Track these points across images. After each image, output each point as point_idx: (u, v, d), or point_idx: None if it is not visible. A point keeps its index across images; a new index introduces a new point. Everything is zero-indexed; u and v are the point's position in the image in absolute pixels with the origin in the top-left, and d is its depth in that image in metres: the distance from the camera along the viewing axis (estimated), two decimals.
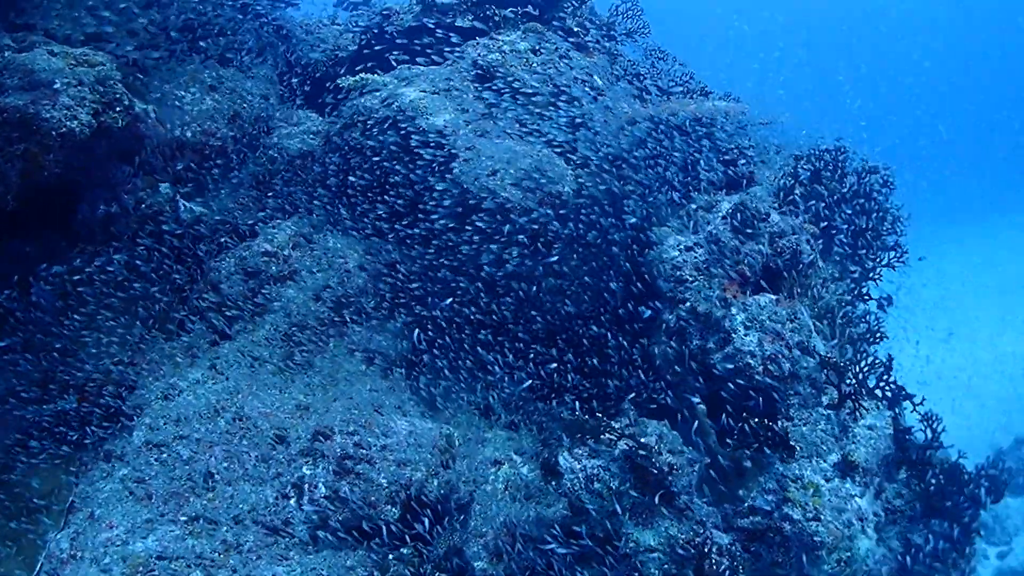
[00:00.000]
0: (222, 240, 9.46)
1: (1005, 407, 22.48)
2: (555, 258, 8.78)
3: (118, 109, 8.56)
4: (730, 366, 7.99)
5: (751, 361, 7.97)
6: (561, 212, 8.72)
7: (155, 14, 9.59)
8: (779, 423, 8.04)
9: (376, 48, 10.51)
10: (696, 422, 7.93)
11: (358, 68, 10.29)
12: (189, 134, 9.35)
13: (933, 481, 8.61)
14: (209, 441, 8.56)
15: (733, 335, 8.08)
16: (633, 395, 8.13)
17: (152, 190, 9.16)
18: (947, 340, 25.53)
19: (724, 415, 8.04)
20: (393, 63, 9.85)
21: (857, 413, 8.40)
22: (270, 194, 9.73)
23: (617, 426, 7.58)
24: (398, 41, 10.20)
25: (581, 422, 7.31)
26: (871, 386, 8.87)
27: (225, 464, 8.42)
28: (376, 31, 10.58)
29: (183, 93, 9.52)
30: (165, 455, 8.51)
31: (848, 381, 8.49)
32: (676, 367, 8.32)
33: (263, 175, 9.82)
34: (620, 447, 7.23)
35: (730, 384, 8.03)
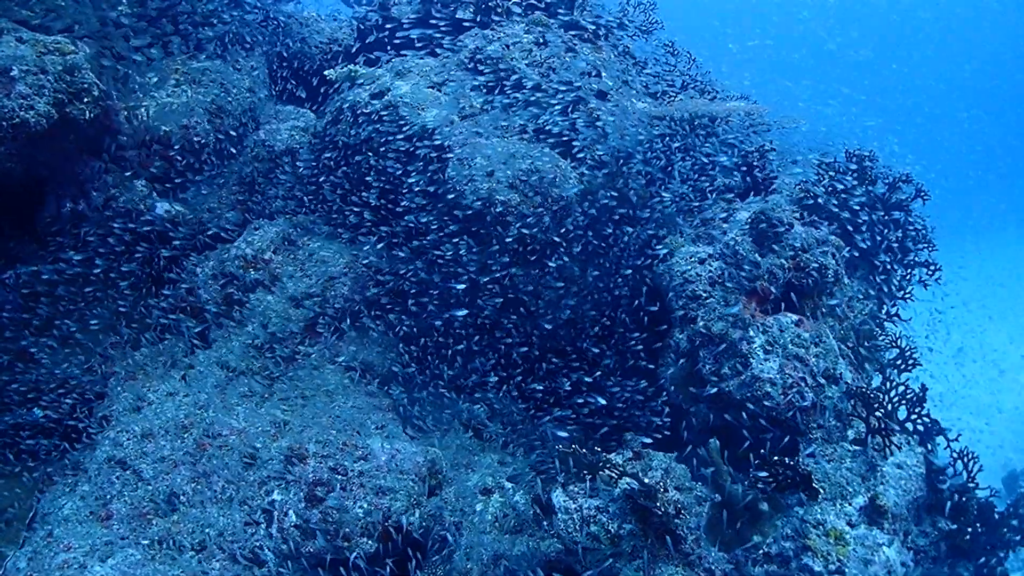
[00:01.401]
0: (201, 242, 8.39)
1: (1016, 425, 21.04)
2: (554, 267, 7.65)
3: (86, 100, 7.49)
4: (747, 394, 6.80)
5: (770, 390, 6.76)
6: (563, 217, 7.58)
7: (135, 2, 8.57)
8: (800, 459, 6.86)
9: (373, 41, 9.41)
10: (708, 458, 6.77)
11: (355, 61, 9.21)
12: (167, 128, 8.26)
13: (969, 529, 7.39)
14: (175, 460, 7.50)
15: (751, 360, 6.87)
16: (636, 427, 6.99)
17: (125, 187, 8.09)
18: (956, 356, 24.05)
19: (738, 449, 6.88)
20: (388, 55, 8.75)
21: (887, 450, 7.20)
22: (254, 193, 8.65)
23: (618, 460, 6.42)
24: (397, 34, 9.10)
25: (578, 456, 6.16)
26: (901, 419, 7.66)
27: (191, 485, 7.35)
28: (374, 23, 9.50)
29: (163, 85, 8.46)
30: (128, 473, 7.47)
31: (877, 413, 7.30)
32: (686, 392, 7.14)
33: (247, 173, 8.72)
34: (621, 485, 6.08)
35: (746, 414, 6.85)
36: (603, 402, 7.22)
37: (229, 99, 8.77)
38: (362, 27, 9.77)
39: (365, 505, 6.87)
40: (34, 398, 7.78)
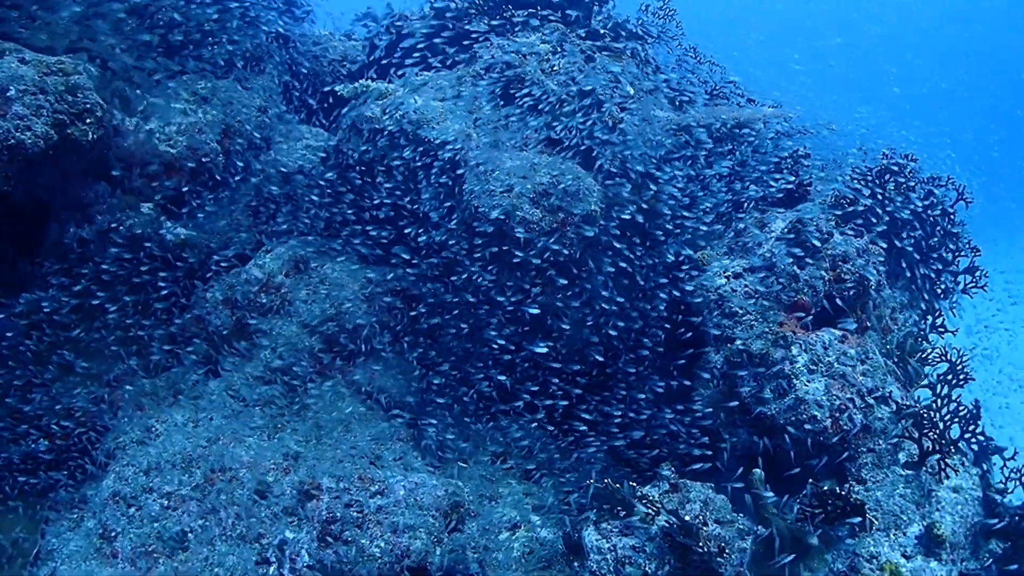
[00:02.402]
0: (211, 266, 7.78)
1: None
2: (578, 285, 6.94)
3: (88, 121, 6.94)
4: (791, 418, 6.04)
5: (816, 413, 5.99)
6: (587, 233, 6.89)
7: (142, 22, 8.05)
8: (850, 487, 6.09)
9: (386, 56, 8.83)
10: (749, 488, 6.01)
11: (368, 77, 8.63)
12: (175, 150, 7.69)
13: None
14: (182, 495, 6.87)
15: (794, 381, 6.10)
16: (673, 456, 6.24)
17: (132, 211, 7.50)
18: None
19: (782, 476, 6.12)
20: (402, 71, 8.16)
21: (942, 473, 6.39)
22: (265, 215, 8.05)
23: (654, 493, 5.69)
24: (410, 48, 8.51)
25: (611, 491, 5.44)
26: (954, 438, 6.85)
27: (200, 521, 6.70)
28: (387, 39, 8.93)
29: (171, 105, 7.90)
30: (133, 509, 6.85)
31: (930, 434, 6.51)
32: (724, 416, 6.39)
33: (258, 194, 8.12)
34: (658, 523, 5.35)
35: (790, 439, 6.09)
36: (638, 435, 6.50)
37: (239, 119, 8.19)
38: (375, 43, 9.19)
39: (382, 544, 6.19)
40: (39, 429, 7.20)
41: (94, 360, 7.45)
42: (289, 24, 9.54)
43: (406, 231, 7.43)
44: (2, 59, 7.14)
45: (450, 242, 7.08)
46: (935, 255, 8.16)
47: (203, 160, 7.80)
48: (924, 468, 6.48)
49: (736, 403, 6.28)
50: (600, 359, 7.07)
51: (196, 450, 7.00)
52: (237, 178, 8.01)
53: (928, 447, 6.50)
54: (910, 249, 7.83)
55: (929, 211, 8.07)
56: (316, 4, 11.00)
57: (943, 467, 6.47)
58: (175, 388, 7.52)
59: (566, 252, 6.77)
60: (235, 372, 7.47)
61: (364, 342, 7.48)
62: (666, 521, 5.28)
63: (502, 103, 7.50)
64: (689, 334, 6.93)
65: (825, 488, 5.87)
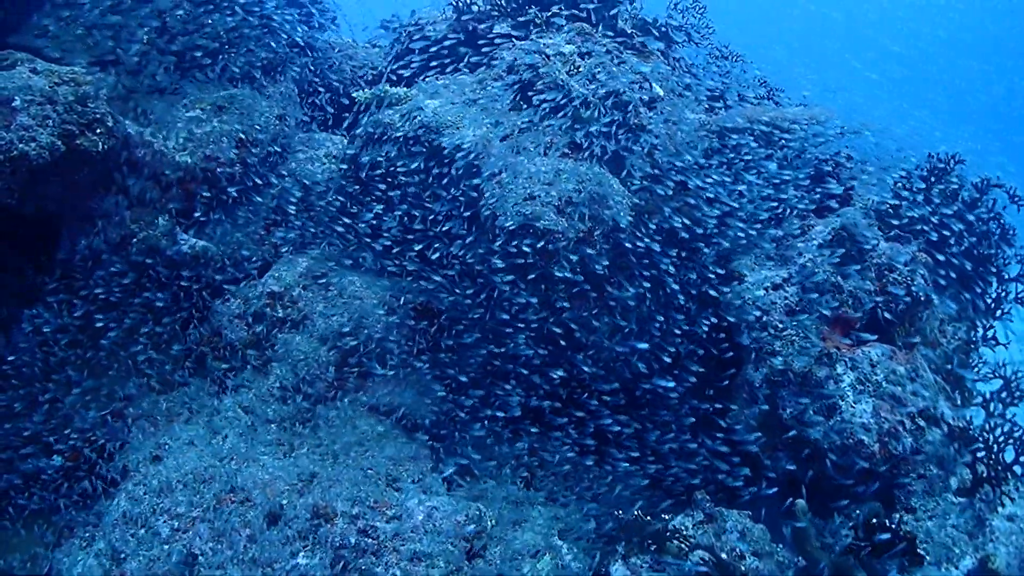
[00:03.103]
0: (228, 278, 7.39)
1: None
2: (606, 298, 6.42)
3: (99, 131, 6.56)
4: (836, 443, 5.46)
5: (864, 437, 5.40)
6: (616, 242, 6.37)
7: (157, 30, 7.69)
8: (899, 517, 5.50)
9: (407, 61, 8.39)
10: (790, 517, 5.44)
11: (390, 82, 8.20)
12: (191, 160, 7.30)
13: None
14: (193, 516, 6.47)
15: (840, 402, 5.52)
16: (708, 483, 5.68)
17: (146, 222, 7.14)
18: None
19: (824, 503, 5.55)
20: (422, 75, 7.71)
21: (998, 501, 5.78)
22: (283, 226, 7.63)
23: (688, 524, 5.16)
24: (429, 51, 8.08)
25: (641, 523, 4.92)
26: (1008, 461, 6.23)
27: (210, 544, 6.28)
28: (407, 44, 8.50)
29: (186, 114, 7.53)
30: (144, 530, 6.47)
31: (983, 458, 5.90)
32: (762, 439, 5.82)
33: (276, 205, 7.71)
34: (692, 559, 4.82)
35: (834, 465, 5.52)
36: (671, 471, 5.95)
37: (257, 127, 7.78)
38: (396, 48, 8.76)
39: (398, 573, 5.72)
40: (51, 446, 6.86)
41: (106, 376, 7.09)
42: (311, 31, 9.15)
43: (425, 241, 6.97)
44: (13, 69, 6.82)
45: (470, 253, 6.60)
46: (985, 262, 7.50)
47: (219, 170, 7.41)
48: (978, 496, 5.89)
49: (777, 425, 5.71)
50: (631, 375, 6.53)
51: (208, 470, 6.58)
52: (254, 188, 7.60)
53: (983, 473, 5.90)
54: (958, 256, 7.19)
55: (978, 215, 7.43)
56: (343, 13, 10.64)
57: (998, 495, 5.87)
58: (189, 405, 7.12)
59: (593, 263, 6.26)
60: (250, 388, 7.05)
61: (383, 357, 7.03)
62: (701, 557, 4.75)
63: (524, 106, 7.00)
64: (726, 348, 6.39)
65: (873, 519, 5.31)
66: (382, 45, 10.21)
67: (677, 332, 6.41)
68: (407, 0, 9.65)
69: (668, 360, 6.46)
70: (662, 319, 6.45)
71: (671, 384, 6.32)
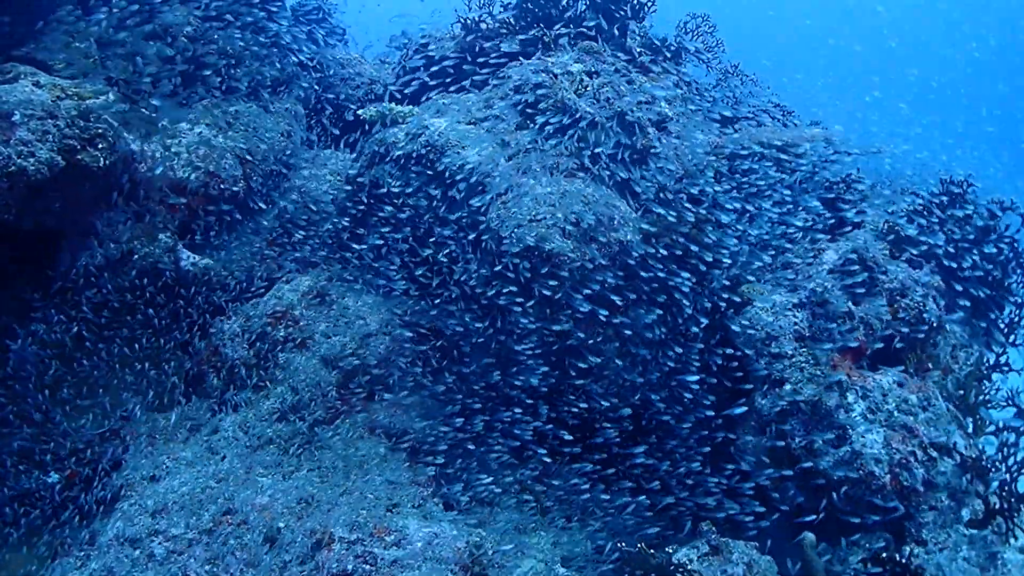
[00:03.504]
0: (229, 297, 7.27)
1: None
2: (615, 322, 6.26)
3: (100, 146, 6.48)
4: (846, 474, 5.30)
5: (875, 469, 5.24)
6: (624, 266, 6.23)
7: (164, 45, 7.63)
8: (908, 548, 5.33)
9: (414, 79, 8.30)
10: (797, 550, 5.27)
11: (396, 100, 8.10)
12: (194, 176, 7.22)
13: None
14: (189, 538, 6.32)
15: (850, 432, 5.36)
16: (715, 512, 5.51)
17: (147, 239, 7.05)
18: None
19: (833, 535, 5.37)
20: (429, 92, 7.61)
21: (1010, 533, 5.60)
22: (286, 244, 7.52)
23: (693, 556, 4.99)
24: (439, 69, 7.98)
25: (644, 556, 4.76)
26: (1022, 492, 6.05)
27: (206, 567, 6.13)
28: (415, 61, 8.40)
29: (191, 130, 7.44)
30: (138, 552, 6.32)
31: (996, 489, 5.73)
32: (770, 469, 5.66)
33: (280, 222, 7.61)
34: None
35: (844, 496, 5.35)
36: (672, 499, 5.78)
37: (262, 144, 7.69)
38: (404, 65, 8.66)
39: None
40: (49, 462, 6.74)
41: (106, 393, 6.97)
42: (319, 48, 9.07)
43: (430, 262, 6.84)
44: (16, 82, 6.76)
45: (474, 275, 6.47)
46: (998, 287, 7.34)
47: (223, 187, 7.32)
48: (990, 527, 5.71)
49: (785, 455, 5.55)
50: (639, 402, 6.38)
51: (205, 491, 6.44)
52: (258, 206, 7.51)
53: (995, 505, 5.72)
54: (971, 281, 7.03)
55: (991, 239, 7.27)
56: (352, 29, 10.58)
57: (1011, 527, 5.69)
58: (189, 424, 7.00)
59: (598, 287, 6.11)
60: (251, 408, 6.93)
61: (386, 380, 6.90)
62: None
63: (530, 126, 6.88)
64: (735, 372, 6.22)
65: (883, 553, 5.14)
66: (391, 62, 10.13)
67: (695, 360, 6.24)
68: (418, 15, 9.61)
69: (690, 394, 6.31)
70: (679, 349, 6.27)
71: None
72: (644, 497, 6.26)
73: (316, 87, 8.74)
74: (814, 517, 5.37)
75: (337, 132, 8.72)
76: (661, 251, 6.32)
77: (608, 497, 6.60)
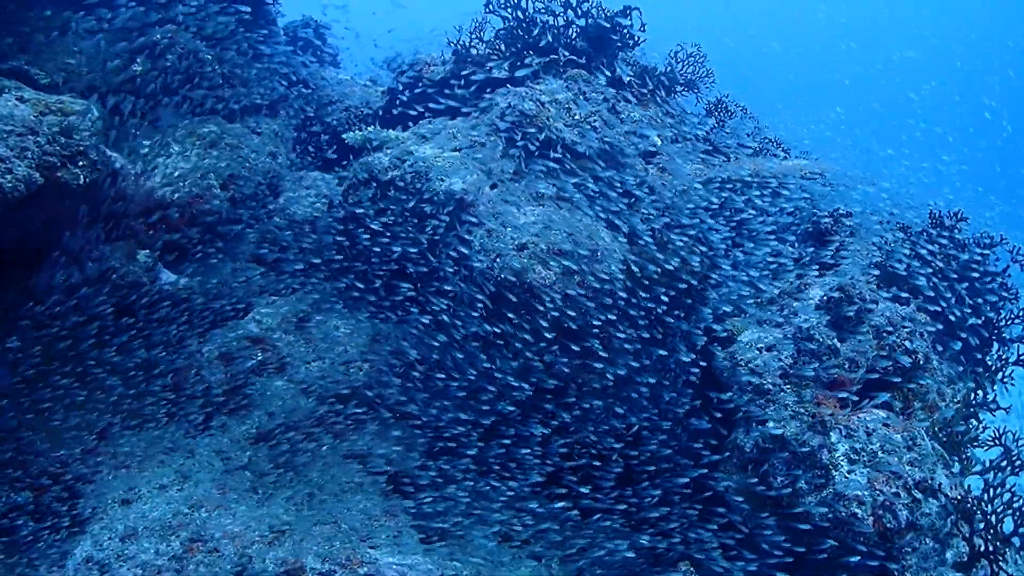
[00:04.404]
0: (209, 318, 7.11)
1: None
2: (596, 354, 6.10)
3: (81, 164, 6.34)
4: (828, 515, 5.12)
5: (858, 511, 5.06)
6: (607, 297, 6.09)
7: (153, 63, 7.51)
8: None
9: (405, 102, 8.19)
10: None
11: (386, 125, 7.98)
12: (177, 195, 7.08)
13: None
14: (158, 565, 6.13)
15: (833, 472, 5.18)
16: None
17: (128, 258, 6.90)
18: None
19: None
20: (416, 118, 7.49)
21: None
22: (268, 266, 7.36)
23: None
24: (429, 93, 7.87)
25: None
26: (1007, 533, 5.88)
27: None
28: (405, 85, 8.30)
29: (175, 149, 7.31)
30: None
31: (981, 530, 5.56)
32: (751, 507, 5.48)
33: (263, 244, 7.46)
34: None
35: (827, 537, 5.18)
36: (645, 542, 5.58)
37: (247, 164, 7.56)
38: (392, 89, 8.56)
39: None
40: (20, 481, 6.54)
41: (81, 413, 6.79)
42: (309, 69, 8.96)
43: (413, 288, 6.69)
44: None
45: (458, 302, 6.32)
46: (986, 323, 7.21)
47: (205, 207, 7.18)
48: (974, 570, 5.54)
49: (767, 494, 5.37)
50: (616, 441, 6.20)
51: (176, 517, 6.26)
52: (241, 226, 7.36)
53: (980, 547, 5.55)
54: (959, 316, 6.90)
55: (980, 274, 7.15)
56: (345, 50, 10.52)
57: (996, 571, 5.52)
58: (164, 447, 6.81)
59: (581, 318, 5.97)
60: (227, 432, 6.76)
61: (365, 406, 6.73)
62: None
63: (516, 154, 6.76)
64: (717, 409, 6.07)
65: None
66: (382, 84, 10.03)
67: (684, 401, 6.07)
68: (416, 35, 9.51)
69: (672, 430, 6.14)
70: (665, 383, 6.11)
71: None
72: (626, 531, 6.08)
73: (306, 109, 8.62)
74: (791, 559, 5.21)
75: (324, 155, 8.60)
76: (645, 281, 6.18)
77: (588, 529, 6.42)
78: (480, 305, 6.11)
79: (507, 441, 6.44)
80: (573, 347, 6.05)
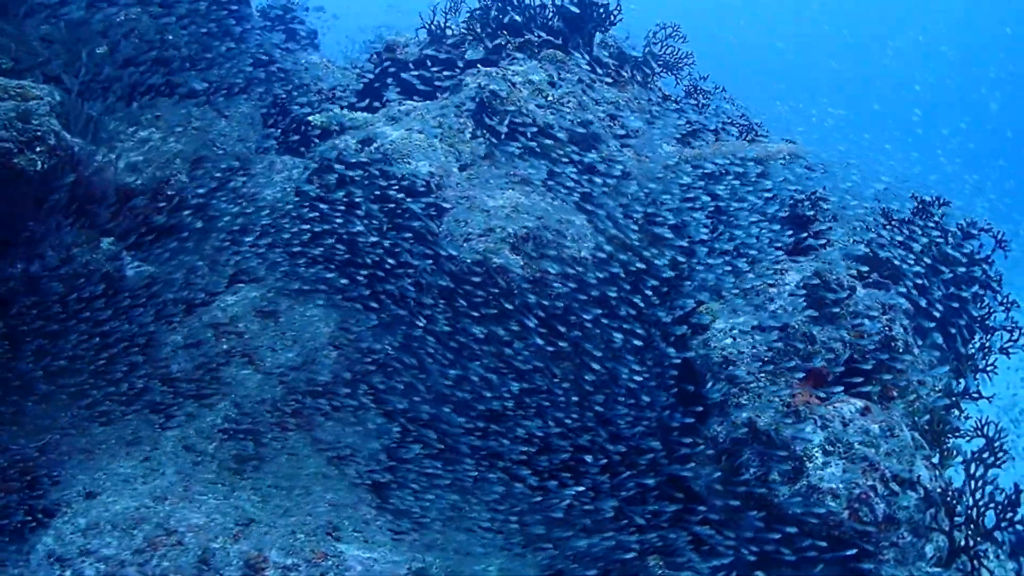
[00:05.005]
0: (174, 307, 6.86)
1: None
2: (569, 346, 5.86)
3: (39, 149, 6.07)
4: (802, 508, 4.90)
5: (832, 504, 4.84)
6: (578, 283, 5.84)
7: (117, 44, 7.22)
8: None
9: (377, 84, 7.90)
10: None
11: (357, 107, 7.70)
12: (140, 181, 6.81)
13: None
14: (121, 559, 5.92)
15: (807, 463, 4.95)
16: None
17: (90, 245, 6.63)
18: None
19: (789, 573, 4.98)
20: (387, 99, 7.21)
21: (975, 572, 5.22)
22: (235, 253, 7.10)
23: None
24: (400, 75, 7.59)
25: None
26: (989, 527, 5.67)
27: None
28: (378, 66, 8.02)
29: (140, 133, 7.03)
30: (68, 573, 5.91)
31: (961, 524, 5.35)
32: (725, 499, 5.26)
33: (229, 231, 7.19)
34: None
35: (801, 531, 4.96)
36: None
37: (214, 149, 7.28)
38: (365, 70, 8.27)
39: None
40: None
41: (45, 404, 6.56)
42: (282, 51, 8.65)
43: (380, 274, 6.44)
44: None
45: (425, 288, 6.07)
46: (968, 310, 6.98)
47: (171, 193, 6.91)
48: (954, 566, 5.33)
49: (740, 486, 5.14)
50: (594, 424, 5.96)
51: (140, 510, 6.03)
52: (207, 213, 7.09)
53: (960, 542, 5.34)
54: (941, 303, 6.66)
55: (963, 260, 6.91)
56: (327, 32, 10.20)
57: (976, 567, 5.31)
58: (128, 438, 6.57)
59: (550, 304, 5.72)
60: (192, 423, 6.51)
61: (333, 395, 6.49)
62: None
63: (486, 136, 6.49)
64: (693, 398, 5.83)
65: None
66: (361, 66, 9.73)
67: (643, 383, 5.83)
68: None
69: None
70: (640, 367, 5.86)
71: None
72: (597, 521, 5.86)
73: (277, 91, 8.32)
74: (764, 553, 4.99)
75: (294, 138, 8.30)
76: (618, 266, 5.92)
77: (561, 519, 6.20)
78: (445, 291, 5.86)
79: (479, 434, 6.24)
80: (544, 334, 5.81)
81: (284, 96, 8.27)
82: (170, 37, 7.30)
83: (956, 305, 6.87)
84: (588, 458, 5.95)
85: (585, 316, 5.78)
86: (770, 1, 59.20)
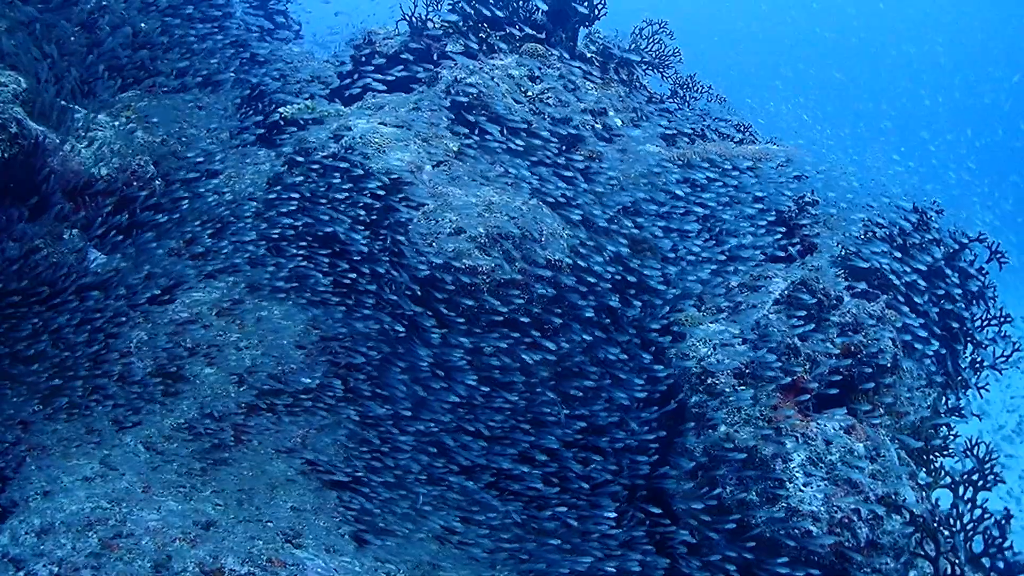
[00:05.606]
0: (139, 301, 6.51)
1: None
2: (543, 349, 5.50)
3: (1, 137, 5.78)
4: (780, 531, 4.55)
5: (812, 528, 4.50)
6: (550, 286, 5.48)
7: (85, 31, 6.86)
8: None
9: (355, 76, 7.54)
10: None
11: (334, 99, 7.34)
12: (107, 172, 6.46)
13: None
14: (75, 563, 5.59)
15: (787, 485, 4.61)
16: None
17: (53, 237, 6.30)
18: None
19: None
20: (362, 92, 6.85)
21: None
22: (203, 247, 6.75)
23: None
24: (379, 67, 7.23)
25: None
26: (976, 552, 5.32)
27: None
28: (359, 59, 7.66)
29: (109, 122, 6.68)
30: (22, 574, 5.62)
31: (948, 552, 5.00)
32: (700, 517, 4.91)
33: (198, 224, 6.84)
34: None
35: (779, 555, 4.61)
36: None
37: (184, 140, 6.93)
38: (343, 63, 7.91)
39: None
40: None
41: (2, 401, 6.22)
42: (260, 41, 8.27)
43: (351, 271, 6.08)
44: None
45: (395, 287, 5.71)
46: (960, 323, 6.62)
47: (139, 184, 6.56)
48: None
49: (716, 504, 4.79)
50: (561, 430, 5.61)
51: (96, 511, 5.69)
52: (177, 205, 6.74)
53: (945, 569, 4.99)
54: (931, 316, 6.31)
55: (955, 271, 6.55)
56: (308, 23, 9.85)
57: None
58: (88, 437, 6.24)
59: (519, 305, 5.36)
60: (153, 423, 6.17)
61: (300, 395, 6.15)
62: None
63: (461, 131, 6.12)
64: (670, 409, 5.48)
65: None
66: (343, 58, 9.34)
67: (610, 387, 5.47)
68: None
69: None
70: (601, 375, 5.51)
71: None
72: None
73: (253, 82, 7.95)
74: None
75: (267, 131, 7.92)
76: (596, 268, 5.57)
77: (529, 531, 5.86)
78: (415, 291, 5.51)
79: (451, 440, 5.90)
80: (515, 336, 5.46)
81: (260, 87, 7.90)
82: (143, 25, 6.94)
83: (948, 318, 6.51)
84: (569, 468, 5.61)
85: (558, 320, 5.42)
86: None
